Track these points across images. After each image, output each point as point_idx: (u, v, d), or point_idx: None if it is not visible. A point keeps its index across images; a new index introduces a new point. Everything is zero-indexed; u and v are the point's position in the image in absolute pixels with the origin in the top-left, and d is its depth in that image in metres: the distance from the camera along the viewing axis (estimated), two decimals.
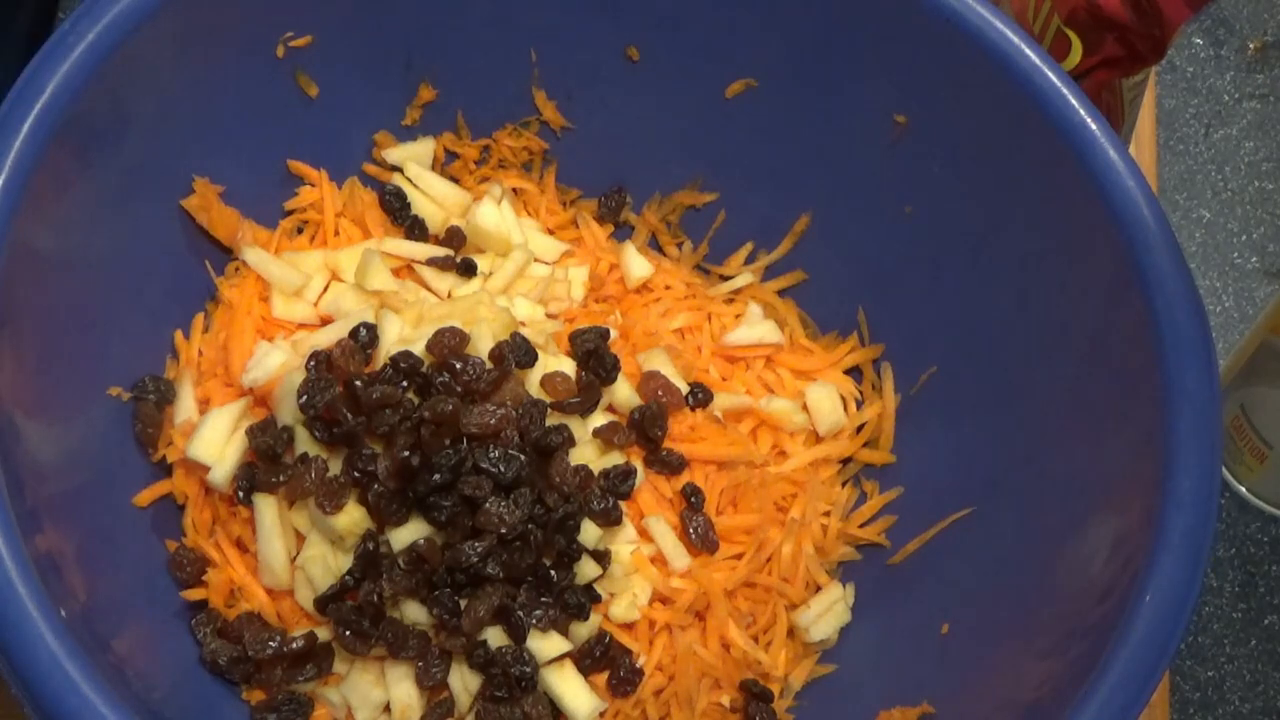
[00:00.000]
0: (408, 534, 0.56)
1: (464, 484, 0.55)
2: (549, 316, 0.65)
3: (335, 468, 0.56)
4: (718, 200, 0.69)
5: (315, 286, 0.63)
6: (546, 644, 0.56)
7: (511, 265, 0.64)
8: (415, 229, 0.66)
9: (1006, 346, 0.61)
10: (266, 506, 0.57)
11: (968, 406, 0.63)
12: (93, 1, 0.53)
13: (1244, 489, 0.77)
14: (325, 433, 0.56)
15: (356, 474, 0.55)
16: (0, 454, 0.46)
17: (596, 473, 0.59)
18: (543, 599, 0.56)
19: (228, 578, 0.57)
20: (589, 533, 0.58)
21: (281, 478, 0.56)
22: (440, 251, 0.64)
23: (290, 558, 0.57)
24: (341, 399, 0.56)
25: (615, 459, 0.60)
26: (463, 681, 0.56)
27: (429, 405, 0.55)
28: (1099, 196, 0.55)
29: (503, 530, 0.54)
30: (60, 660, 0.43)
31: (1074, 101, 0.57)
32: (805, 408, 0.66)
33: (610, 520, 0.58)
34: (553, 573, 0.56)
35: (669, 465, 0.61)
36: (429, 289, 0.64)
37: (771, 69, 0.64)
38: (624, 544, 0.60)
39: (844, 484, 0.66)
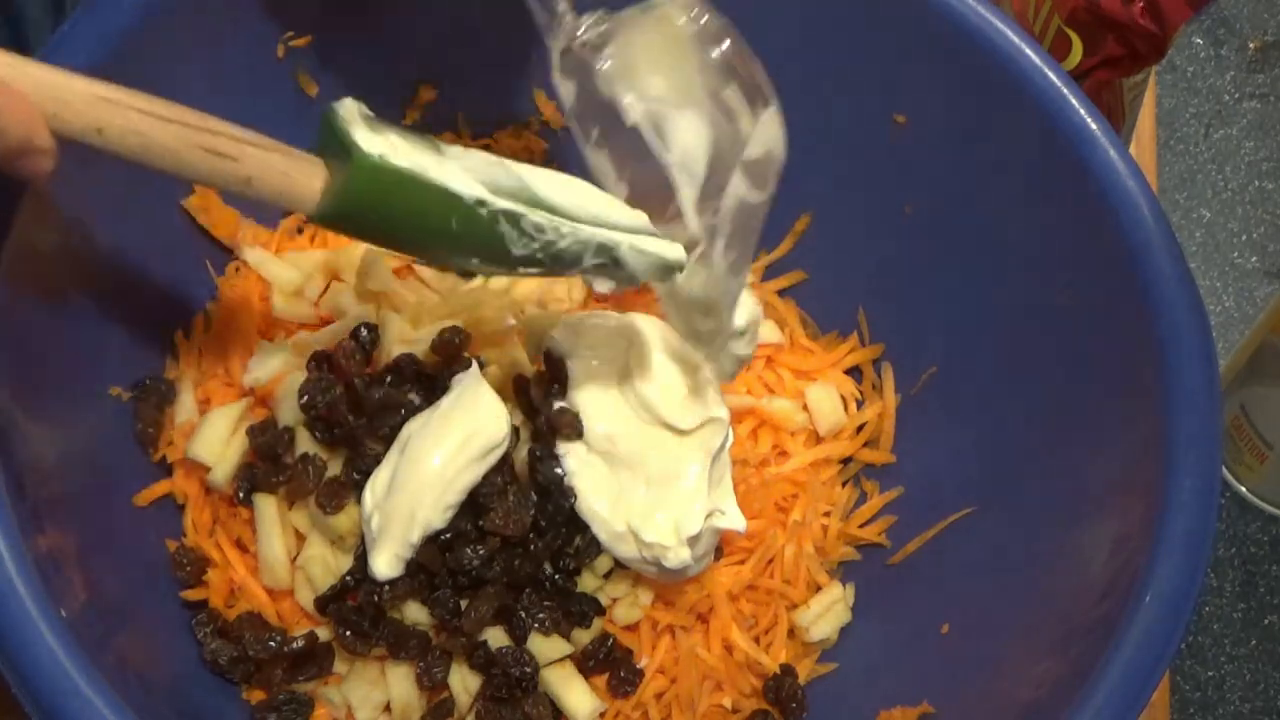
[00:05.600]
0: None
1: None
2: None
3: (335, 468, 0.56)
4: None
5: (315, 286, 0.63)
6: (547, 645, 0.56)
7: None
8: None
9: (1006, 346, 0.61)
10: (267, 506, 0.56)
11: (968, 406, 0.63)
12: (93, 2, 0.53)
13: (1244, 489, 0.77)
14: (326, 433, 0.56)
15: (358, 475, 0.55)
16: (0, 454, 0.46)
17: None
18: (545, 603, 0.56)
19: (228, 578, 0.57)
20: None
21: (282, 478, 0.56)
22: None
23: (290, 558, 0.57)
24: (343, 400, 0.56)
25: None
26: (463, 682, 0.56)
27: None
28: (1099, 196, 0.55)
29: (511, 532, 0.54)
30: (60, 660, 0.43)
31: (1074, 101, 0.57)
32: (805, 408, 0.66)
33: None
34: (557, 578, 0.56)
35: None
36: (429, 289, 0.63)
37: (771, 68, 0.64)
38: None
39: (844, 484, 0.66)
